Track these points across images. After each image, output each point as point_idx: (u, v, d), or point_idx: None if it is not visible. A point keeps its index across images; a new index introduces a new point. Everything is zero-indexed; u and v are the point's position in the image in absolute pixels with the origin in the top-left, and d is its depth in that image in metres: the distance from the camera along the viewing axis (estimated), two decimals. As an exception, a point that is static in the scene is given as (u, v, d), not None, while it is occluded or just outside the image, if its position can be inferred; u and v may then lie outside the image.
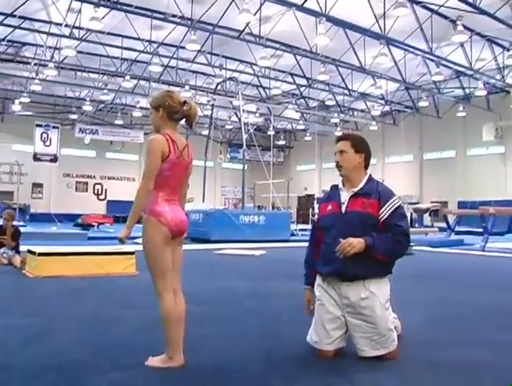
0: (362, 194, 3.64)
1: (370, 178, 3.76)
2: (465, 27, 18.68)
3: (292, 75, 26.93)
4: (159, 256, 3.29)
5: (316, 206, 3.95)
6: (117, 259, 8.21)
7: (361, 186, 3.68)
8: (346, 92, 28.41)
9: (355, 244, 3.45)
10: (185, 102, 3.43)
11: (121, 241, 3.38)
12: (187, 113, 3.43)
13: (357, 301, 3.54)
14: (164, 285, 3.31)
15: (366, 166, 3.80)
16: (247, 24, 19.25)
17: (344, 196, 3.69)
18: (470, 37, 20.27)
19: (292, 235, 18.62)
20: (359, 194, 3.64)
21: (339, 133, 32.66)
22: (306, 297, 3.87)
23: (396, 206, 3.60)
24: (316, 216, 3.92)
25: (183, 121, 3.50)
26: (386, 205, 3.58)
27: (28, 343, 3.89)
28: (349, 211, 3.62)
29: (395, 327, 3.96)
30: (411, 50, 21.59)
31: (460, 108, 30.70)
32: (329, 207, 3.73)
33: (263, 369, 3.31)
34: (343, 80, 26.27)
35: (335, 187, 3.85)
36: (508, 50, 21.27)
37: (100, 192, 38.89)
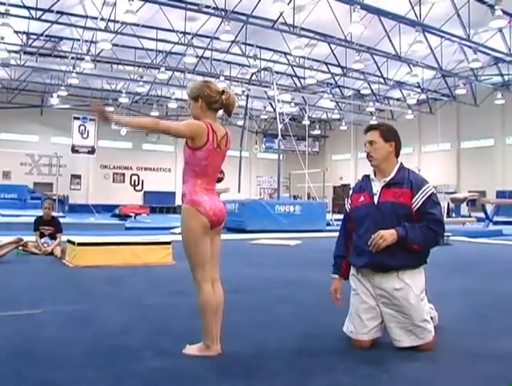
0: (394, 183, 3.61)
1: (401, 167, 3.71)
2: (504, 12, 18.27)
3: (327, 64, 26.77)
4: (198, 245, 3.32)
5: (349, 196, 3.86)
6: (154, 249, 8.32)
7: (392, 175, 3.65)
8: (381, 80, 28.13)
9: (387, 236, 3.43)
10: (223, 91, 3.43)
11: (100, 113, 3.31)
12: (226, 102, 3.44)
13: (392, 292, 3.53)
14: (203, 274, 3.34)
15: (397, 155, 3.75)
16: (281, 14, 19.19)
17: (376, 187, 3.66)
18: (509, 22, 19.81)
19: (328, 225, 18.56)
20: (391, 183, 3.61)
21: (374, 122, 32.43)
22: (333, 286, 3.85)
23: (429, 193, 3.56)
24: (348, 206, 3.87)
25: (221, 111, 3.51)
26: (419, 193, 3.54)
27: (74, 329, 4.02)
28: (382, 201, 3.59)
29: (432, 318, 3.94)
30: (448, 36, 21.24)
31: (499, 96, 30.11)
32: (362, 198, 3.69)
33: (300, 357, 3.33)
34: (378, 68, 25.99)
35: (366, 177, 3.82)
36: (549, 34, 20.74)
37: (136, 183, 39.38)
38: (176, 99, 33.44)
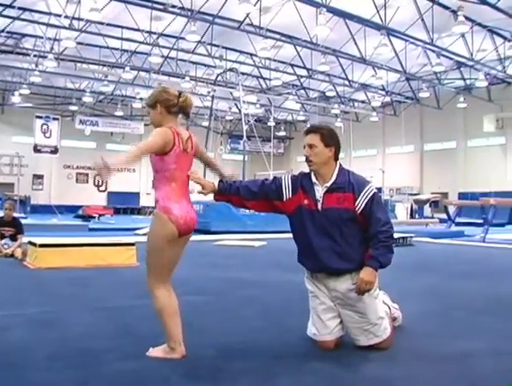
0: (337, 188, 3.58)
1: (341, 169, 3.67)
2: (466, 18, 18.61)
3: (292, 65, 26.89)
4: (161, 254, 3.29)
5: (289, 180, 3.78)
6: (117, 250, 8.22)
7: (333, 179, 3.61)
8: (347, 82, 28.36)
9: (370, 279, 3.44)
10: (180, 94, 3.43)
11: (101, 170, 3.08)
12: (184, 104, 3.43)
13: (346, 293, 3.56)
14: (157, 280, 3.33)
15: (336, 159, 3.70)
16: (247, 15, 19.20)
17: (319, 192, 3.61)
18: (471, 27, 20.20)
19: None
20: (333, 188, 3.58)
21: (339, 124, 32.73)
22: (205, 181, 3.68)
23: (371, 194, 3.55)
24: (289, 195, 3.69)
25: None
26: (361, 196, 3.53)
27: (37, 332, 3.96)
28: (326, 207, 3.56)
29: (396, 318, 3.98)
30: (412, 40, 21.53)
31: (461, 99, 30.66)
32: (306, 202, 3.63)
33: (265, 358, 3.33)
34: (343, 70, 26.20)
35: (307, 178, 3.72)
36: (509, 40, 21.22)
37: (100, 183, 38.89)
38: (141, 99, 33.06)
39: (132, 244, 8.31)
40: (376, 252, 3.48)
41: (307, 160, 3.67)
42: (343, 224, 3.52)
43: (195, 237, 14.66)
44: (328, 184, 3.60)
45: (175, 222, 3.26)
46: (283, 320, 4.52)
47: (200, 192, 3.68)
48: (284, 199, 3.71)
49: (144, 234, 14.57)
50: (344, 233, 3.54)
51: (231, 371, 3.10)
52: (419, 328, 4.23)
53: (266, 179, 3.88)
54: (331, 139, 3.66)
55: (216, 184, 3.73)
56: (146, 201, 37.60)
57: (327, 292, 3.64)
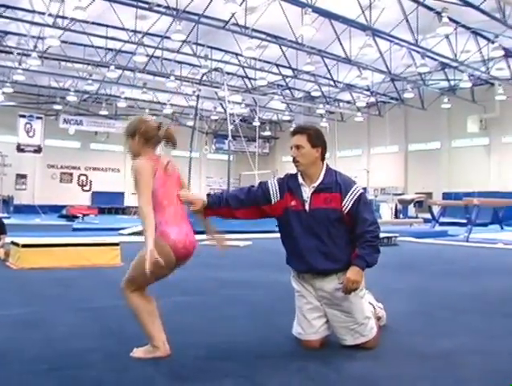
0: (324, 188, 3.59)
1: (328, 170, 3.68)
2: (450, 19, 18.75)
3: (278, 65, 26.90)
4: (151, 274, 3.14)
5: (275, 183, 3.74)
6: (102, 250, 8.17)
7: (320, 180, 3.62)
8: (332, 83, 28.40)
9: (357, 278, 3.45)
10: (160, 126, 3.38)
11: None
12: (165, 136, 3.39)
13: (332, 293, 3.57)
14: (134, 289, 3.33)
15: (323, 159, 3.71)
16: (233, 14, 19.17)
17: (306, 192, 3.62)
18: (455, 29, 20.35)
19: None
20: (321, 188, 3.59)
21: (325, 124, 32.82)
22: (194, 198, 3.65)
23: (358, 195, 3.57)
24: (277, 197, 3.69)
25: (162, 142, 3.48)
26: (348, 195, 3.55)
27: (21, 333, 3.93)
28: (313, 208, 3.57)
29: (380, 317, 4.00)
30: (397, 41, 21.62)
31: (445, 100, 30.84)
32: (293, 203, 3.63)
33: (251, 358, 3.32)
34: (328, 70, 26.26)
35: (294, 178, 3.73)
36: (493, 42, 21.37)
37: (85, 183, 38.68)
38: (126, 98, 32.98)
39: (116, 244, 8.28)
40: (363, 252, 3.50)
41: (295, 161, 3.67)
42: (330, 225, 3.53)
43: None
44: (316, 184, 3.61)
45: (173, 247, 3.21)
46: (269, 319, 4.52)
47: (192, 211, 3.64)
48: (272, 203, 3.70)
49: (129, 234, 14.55)
50: (331, 234, 3.55)
51: (216, 370, 3.09)
52: (403, 327, 4.25)
53: (252, 186, 3.88)
54: (317, 139, 3.66)
55: (205, 198, 3.71)
56: (130, 201, 37.43)
57: (313, 292, 3.65)
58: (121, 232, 14.95)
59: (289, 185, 3.71)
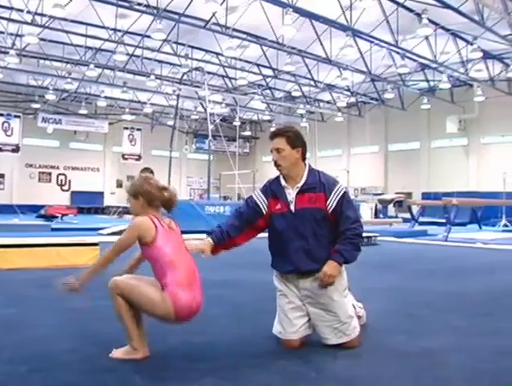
0: (308, 188, 3.61)
1: (311, 170, 3.71)
2: (430, 21, 18.86)
3: (258, 65, 26.88)
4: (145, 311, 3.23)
5: (260, 194, 3.76)
6: (81, 250, 8.10)
7: (304, 180, 3.64)
8: (312, 83, 28.46)
9: (333, 272, 3.48)
10: (165, 188, 3.36)
11: (73, 289, 3.40)
12: (167, 199, 3.36)
13: (316, 291, 3.59)
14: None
15: (304, 159, 3.73)
16: (213, 14, 19.10)
17: (291, 194, 3.64)
18: (435, 30, 20.49)
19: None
20: (305, 189, 3.61)
21: (305, 124, 32.90)
22: (201, 244, 3.74)
23: (342, 193, 3.60)
24: (264, 206, 3.72)
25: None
26: (332, 195, 3.58)
27: (0, 333, 3.86)
28: (299, 208, 3.59)
29: (360, 316, 4.01)
30: (377, 42, 21.71)
31: (425, 101, 31.06)
32: (278, 206, 3.66)
33: (232, 358, 3.31)
34: (309, 71, 26.30)
35: (277, 182, 3.75)
36: (471, 44, 21.55)
37: (63, 183, 38.29)
38: (106, 97, 32.75)
39: (96, 244, 8.20)
40: (342, 248, 3.53)
41: (277, 164, 3.68)
42: (316, 224, 3.55)
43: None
44: (300, 185, 3.63)
45: (178, 311, 3.16)
46: (251, 319, 4.51)
47: (205, 257, 3.71)
48: (264, 213, 3.73)
49: (109, 234, 14.45)
50: (316, 233, 3.58)
51: (198, 371, 3.07)
52: (384, 326, 4.26)
53: (240, 207, 3.88)
54: (297, 140, 3.68)
55: (209, 239, 3.75)
56: (110, 201, 37.21)
57: (296, 291, 3.66)
58: (100, 232, 14.84)
59: (272, 189, 3.74)
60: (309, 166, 3.73)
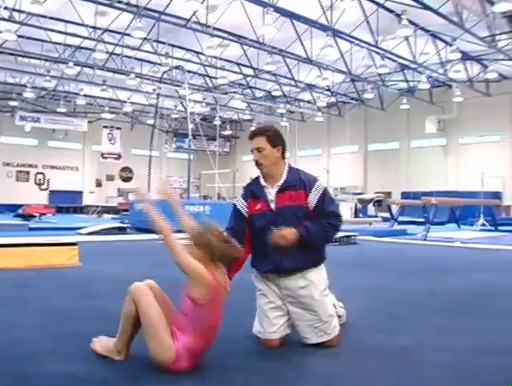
0: (288, 186, 3.61)
1: (291, 168, 3.72)
2: (410, 22, 19.01)
3: (239, 65, 26.84)
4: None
5: (240, 200, 3.77)
6: (59, 250, 7.99)
7: (284, 178, 3.65)
8: (292, 82, 28.51)
9: (288, 236, 3.44)
10: (227, 240, 3.19)
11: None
12: (227, 253, 3.19)
13: (297, 291, 3.59)
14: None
15: (284, 157, 3.74)
16: (194, 13, 19.06)
17: (271, 193, 3.64)
18: (414, 31, 20.62)
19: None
20: (285, 187, 3.61)
21: (285, 124, 32.94)
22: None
23: (322, 190, 3.62)
24: (246, 210, 3.72)
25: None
26: (312, 191, 3.59)
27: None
28: (280, 206, 3.59)
29: (340, 316, 4.01)
30: (357, 42, 21.82)
31: (404, 101, 31.29)
32: (259, 206, 3.65)
33: (211, 358, 3.28)
34: (289, 70, 26.34)
35: (257, 182, 3.76)
36: (450, 45, 21.74)
37: (42, 182, 37.90)
38: (85, 95, 32.47)
39: (74, 244, 8.10)
40: (311, 226, 3.51)
41: (258, 163, 3.67)
42: (297, 222, 3.53)
43: (140, 236, 14.48)
44: (280, 183, 3.63)
45: (174, 369, 3.01)
46: (230, 319, 4.48)
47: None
48: (246, 216, 3.71)
49: (88, 233, 14.34)
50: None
51: (172, 373, 3.04)
52: (363, 325, 4.27)
53: (228, 223, 3.82)
54: (277, 139, 3.69)
55: None
56: (89, 200, 36.92)
57: (277, 290, 3.66)
58: (79, 231, 14.72)
59: (251, 190, 3.74)
60: (289, 164, 3.74)
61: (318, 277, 3.67)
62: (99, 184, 39.34)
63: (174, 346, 3.01)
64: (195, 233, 3.26)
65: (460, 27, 18.51)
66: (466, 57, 24.42)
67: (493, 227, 19.42)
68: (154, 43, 22.76)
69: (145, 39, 21.64)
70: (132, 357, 3.25)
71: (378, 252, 11.71)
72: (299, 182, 3.62)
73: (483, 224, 20.80)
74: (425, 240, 14.41)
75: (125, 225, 16.21)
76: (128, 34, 21.02)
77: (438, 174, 31.21)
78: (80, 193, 37.54)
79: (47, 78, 27.59)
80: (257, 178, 3.76)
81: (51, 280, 6.64)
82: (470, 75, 26.74)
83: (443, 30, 20.75)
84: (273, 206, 3.61)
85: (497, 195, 26.19)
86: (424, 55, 23.22)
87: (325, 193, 3.63)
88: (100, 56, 23.56)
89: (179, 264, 3.07)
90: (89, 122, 36.33)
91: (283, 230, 3.44)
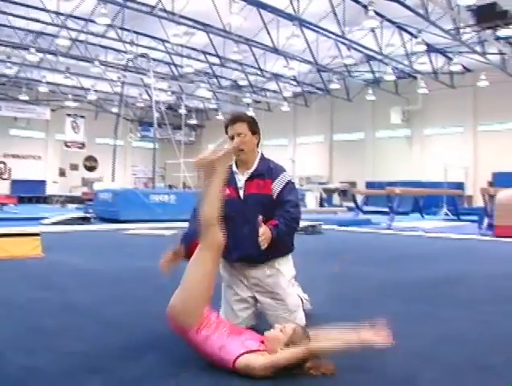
0: (257, 175, 3.62)
1: (262, 157, 3.73)
2: (376, 13, 19.09)
3: (205, 53, 26.69)
4: None
5: None
6: (21, 241, 7.82)
7: (255, 167, 3.66)
8: (259, 72, 28.48)
9: (267, 235, 3.37)
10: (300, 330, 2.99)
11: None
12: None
13: (264, 280, 3.60)
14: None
15: (257, 146, 3.77)
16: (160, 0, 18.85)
17: (240, 180, 3.64)
18: (381, 23, 20.79)
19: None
20: (254, 175, 3.62)
21: (251, 114, 32.85)
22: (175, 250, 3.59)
23: (286, 181, 3.62)
24: None
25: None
26: (277, 181, 3.60)
27: None
28: (248, 194, 3.60)
29: (305, 310, 4.01)
30: (324, 32, 21.87)
31: (370, 92, 31.55)
32: (228, 192, 3.61)
33: (175, 349, 3.24)
34: (256, 60, 26.29)
35: (230, 167, 3.72)
36: (416, 37, 21.95)
37: (3, 171, 37.12)
38: (48, 82, 31.87)
39: (37, 235, 7.95)
40: (279, 225, 3.47)
41: (238, 149, 3.65)
42: (264, 210, 3.51)
43: (104, 226, 14.33)
44: (250, 171, 3.64)
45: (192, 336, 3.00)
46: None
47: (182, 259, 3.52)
48: None
49: (51, 223, 14.12)
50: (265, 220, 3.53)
51: (138, 363, 3.02)
52: (329, 313, 4.27)
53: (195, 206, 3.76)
54: (255, 126, 3.72)
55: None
56: (53, 189, 36.34)
57: (245, 281, 3.65)
58: (42, 221, 14.47)
59: None
60: (261, 153, 3.75)
61: (285, 266, 3.70)
62: (62, 173, 38.73)
63: (204, 318, 3.00)
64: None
65: (426, 20, 18.69)
66: (431, 49, 24.71)
67: (455, 217, 19.74)
68: (119, 30, 22.47)
69: (109, 25, 21.34)
70: (97, 347, 3.18)
71: (343, 242, 11.80)
72: (267, 171, 3.63)
73: (446, 214, 21.13)
74: (389, 229, 14.56)
75: (89, 215, 16.00)
76: (92, 21, 20.69)
77: (402, 164, 31.60)
78: (43, 182, 36.91)
79: (8, 64, 27.00)
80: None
81: (13, 271, 6.50)
82: (435, 67, 27.08)
83: (409, 22, 20.94)
84: (241, 193, 3.61)
85: (459, 186, 26.61)
86: (390, 47, 23.43)
87: (289, 183, 3.64)
88: (63, 43, 23.17)
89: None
90: (52, 110, 35.68)
91: (265, 231, 3.35)
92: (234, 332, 2.99)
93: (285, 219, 3.51)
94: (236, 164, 3.72)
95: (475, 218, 16.31)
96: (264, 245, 3.34)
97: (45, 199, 34.08)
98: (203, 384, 2.72)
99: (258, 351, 2.83)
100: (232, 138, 3.68)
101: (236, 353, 2.81)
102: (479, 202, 20.38)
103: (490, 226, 13.24)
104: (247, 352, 2.80)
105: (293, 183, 3.72)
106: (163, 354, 3.18)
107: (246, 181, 3.61)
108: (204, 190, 3.21)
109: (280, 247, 3.58)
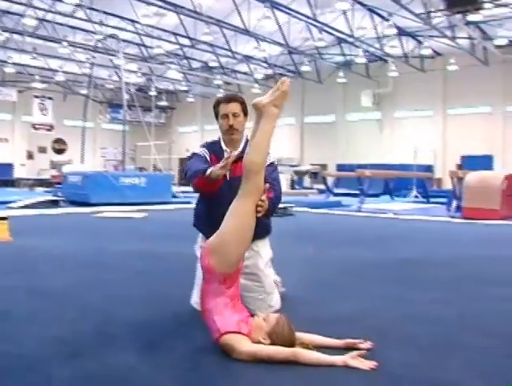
0: (242, 157, 3.55)
1: (247, 140, 3.71)
2: (348, -5, 19.11)
3: (175, 34, 26.39)
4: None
5: (203, 149, 3.81)
6: (-12, 225, 7.71)
7: (241, 148, 3.68)
8: (230, 54, 28.30)
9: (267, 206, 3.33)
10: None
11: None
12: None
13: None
14: None
15: None
16: (129, -21, 18.57)
17: None
18: (352, 5, 20.79)
19: (174, 197, 18.48)
20: (240, 157, 3.58)
21: (222, 95, 32.65)
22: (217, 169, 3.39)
23: (269, 162, 3.65)
24: (202, 153, 3.73)
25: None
26: None
27: None
28: (233, 176, 3.59)
29: (280, 292, 4.04)
30: (295, 14, 21.80)
31: (341, 74, 31.63)
32: None
33: (151, 332, 3.25)
34: (227, 41, 26.11)
35: (218, 145, 3.78)
36: (387, 20, 22.03)
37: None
38: (14, 63, 31.18)
39: (4, 218, 7.82)
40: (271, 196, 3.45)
41: (231, 128, 3.68)
42: None
43: (74, 209, 14.20)
44: (236, 153, 3.61)
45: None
46: (170, 291, 4.45)
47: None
48: (210, 164, 3.65)
49: (19, 207, 13.92)
50: None
51: (115, 344, 3.02)
52: (301, 295, 4.32)
53: (193, 162, 3.72)
54: (247, 108, 3.77)
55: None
56: (21, 172, 35.76)
57: None
58: (10, 205, 14.25)
59: (214, 150, 3.76)
60: (246, 136, 3.74)
61: (264, 248, 3.76)
62: (30, 156, 38.12)
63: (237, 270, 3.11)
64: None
65: (397, 3, 18.75)
66: (402, 33, 24.84)
67: (424, 199, 20.00)
68: (88, 10, 22.09)
69: (78, 5, 20.94)
70: (75, 331, 3.17)
71: (314, 224, 11.88)
72: None
73: (415, 196, 21.39)
74: (359, 211, 14.69)
75: (58, 198, 15.82)
76: (60, 0, 20.27)
77: (373, 147, 31.83)
78: (10, 165, 36.27)
79: (-27, 44, 26.33)
80: (218, 142, 3.78)
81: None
82: (405, 50, 27.24)
83: (380, 5, 21.00)
84: (227, 175, 3.58)
85: (429, 168, 26.94)
86: (361, 30, 23.44)
87: (271, 164, 3.70)
88: (30, 22, 22.66)
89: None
90: (19, 92, 34.98)
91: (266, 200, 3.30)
92: (237, 309, 3.04)
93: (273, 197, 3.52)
94: (225, 143, 3.75)
95: (444, 200, 16.56)
96: (260, 214, 3.31)
97: (13, 183, 33.52)
98: (180, 369, 2.72)
99: (246, 336, 2.85)
100: (223, 117, 3.69)
101: (226, 328, 2.85)
102: (448, 184, 20.63)
103: (458, 208, 13.47)
104: (236, 332, 2.83)
105: (276, 165, 3.79)
106: (142, 339, 3.17)
107: (233, 163, 3.56)
108: (253, 135, 3.30)
109: (258, 227, 3.56)
